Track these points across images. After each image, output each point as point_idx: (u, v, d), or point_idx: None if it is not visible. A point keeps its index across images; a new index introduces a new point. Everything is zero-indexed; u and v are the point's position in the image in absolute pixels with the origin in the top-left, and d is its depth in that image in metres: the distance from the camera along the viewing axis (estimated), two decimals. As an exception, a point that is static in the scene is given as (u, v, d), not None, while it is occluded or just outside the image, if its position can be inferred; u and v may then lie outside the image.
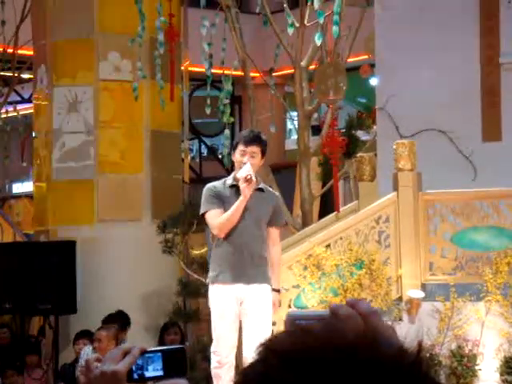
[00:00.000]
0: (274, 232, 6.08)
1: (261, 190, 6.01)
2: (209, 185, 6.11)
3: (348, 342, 1.03)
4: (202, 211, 6.07)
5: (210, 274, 6.10)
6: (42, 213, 10.36)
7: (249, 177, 5.77)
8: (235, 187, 5.93)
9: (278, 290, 6.11)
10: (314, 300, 7.11)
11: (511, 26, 8.13)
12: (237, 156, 5.94)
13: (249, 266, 5.89)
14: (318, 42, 8.40)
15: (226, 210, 5.90)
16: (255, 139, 5.92)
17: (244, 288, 5.89)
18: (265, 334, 5.65)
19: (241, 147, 5.90)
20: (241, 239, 5.90)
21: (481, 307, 6.89)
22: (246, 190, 5.78)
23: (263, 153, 5.97)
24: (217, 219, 5.90)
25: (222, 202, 5.95)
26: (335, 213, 8.59)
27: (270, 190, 6.27)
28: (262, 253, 5.96)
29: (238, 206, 5.83)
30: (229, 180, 6.03)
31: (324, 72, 9.17)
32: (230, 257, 5.91)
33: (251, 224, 5.93)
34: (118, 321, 8.57)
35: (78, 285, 9.46)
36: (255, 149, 5.89)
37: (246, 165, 5.82)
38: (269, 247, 6.04)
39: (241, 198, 5.82)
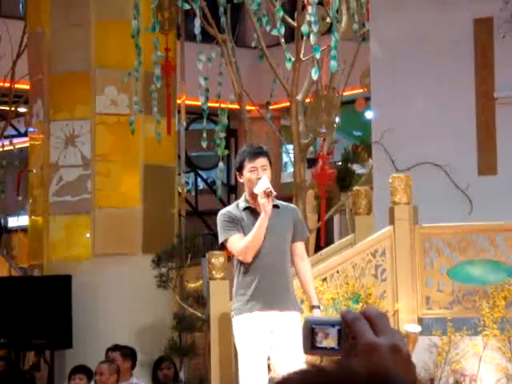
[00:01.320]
0: (300, 247, 5.68)
1: (276, 206, 5.57)
2: (222, 211, 5.68)
3: (360, 381, 1.04)
4: (221, 240, 5.62)
5: (236, 305, 5.64)
6: (38, 247, 10.34)
7: (268, 190, 5.37)
8: (249, 209, 5.56)
9: (318, 307, 5.67)
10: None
11: (506, 60, 8.19)
12: (246, 175, 5.54)
13: (281, 291, 5.52)
14: (315, 77, 8.44)
15: (245, 234, 5.51)
16: (261, 151, 5.58)
17: (277, 316, 5.51)
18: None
19: (249, 164, 5.51)
20: (268, 261, 5.50)
21: (478, 341, 6.86)
22: (267, 205, 5.36)
23: (270, 163, 5.62)
24: (240, 244, 5.46)
25: (239, 226, 5.55)
26: (331, 246, 8.59)
27: (285, 204, 5.79)
28: (288, 276, 5.58)
29: (260, 224, 5.41)
30: (241, 203, 5.63)
31: (317, 106, 9.22)
32: (260, 282, 5.49)
33: (276, 243, 5.54)
34: (122, 352, 8.53)
35: (74, 319, 9.42)
36: (264, 161, 5.54)
37: (262, 178, 5.43)
38: (297, 264, 5.65)
39: (262, 215, 5.40)
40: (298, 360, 5.39)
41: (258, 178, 5.50)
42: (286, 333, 5.47)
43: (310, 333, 1.35)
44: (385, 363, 1.25)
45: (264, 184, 5.42)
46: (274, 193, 5.45)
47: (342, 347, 1.33)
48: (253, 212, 5.57)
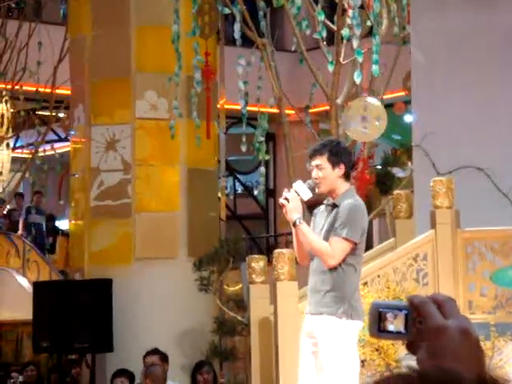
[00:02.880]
0: (331, 242, 5.33)
1: (336, 205, 5.40)
2: None
3: None
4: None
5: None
6: (79, 251, 10.41)
7: (280, 203, 5.30)
8: (324, 205, 5.48)
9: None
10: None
11: (549, 62, 8.10)
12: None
13: (314, 293, 5.40)
14: (358, 80, 8.42)
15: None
16: (315, 151, 5.39)
17: (310, 319, 5.41)
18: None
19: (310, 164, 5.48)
20: (312, 263, 5.43)
21: (522, 347, 6.80)
22: (287, 215, 5.28)
23: (333, 161, 5.34)
24: None
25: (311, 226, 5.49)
26: (373, 249, 8.55)
27: (346, 202, 5.41)
28: (325, 280, 5.34)
29: (294, 234, 5.40)
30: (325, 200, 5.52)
31: (358, 109, 9.18)
32: (308, 284, 5.53)
33: None
34: (162, 356, 8.56)
35: (115, 323, 9.47)
36: (318, 161, 5.35)
37: (294, 185, 5.35)
38: None
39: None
40: (323, 370, 5.28)
41: (313, 178, 5.38)
42: (317, 339, 5.33)
43: (378, 316, 1.36)
44: (454, 347, 1.25)
45: (288, 193, 5.31)
46: (285, 203, 5.23)
47: (409, 331, 1.34)
48: (326, 208, 5.47)
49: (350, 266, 5.40)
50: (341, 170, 5.37)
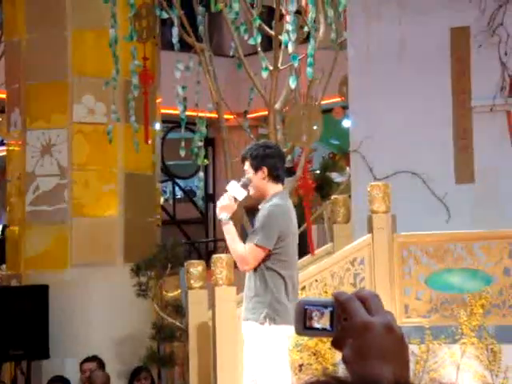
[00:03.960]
0: (245, 247, 5.42)
1: (259, 210, 5.53)
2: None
3: None
4: None
5: None
6: (14, 257, 10.27)
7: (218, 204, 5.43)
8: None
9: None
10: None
11: (482, 69, 8.23)
12: None
13: (245, 299, 5.52)
14: (293, 85, 8.45)
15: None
16: (242, 156, 5.54)
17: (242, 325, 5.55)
18: None
19: None
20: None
21: (456, 350, 6.88)
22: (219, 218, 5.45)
23: (254, 165, 5.45)
24: None
25: None
26: (309, 255, 8.58)
27: (265, 206, 5.52)
28: (251, 287, 5.45)
29: (230, 232, 5.47)
30: None
31: (297, 115, 9.22)
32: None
33: None
34: (99, 363, 8.49)
35: (51, 330, 9.36)
36: (245, 166, 5.49)
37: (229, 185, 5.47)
38: None
39: None
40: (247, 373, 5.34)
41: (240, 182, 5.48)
42: (244, 344, 5.42)
43: (303, 314, 1.36)
44: (379, 343, 1.26)
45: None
46: (218, 206, 5.37)
47: (334, 328, 1.34)
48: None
49: (272, 270, 5.44)
50: (263, 173, 5.43)
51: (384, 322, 1.29)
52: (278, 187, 5.54)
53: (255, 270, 5.45)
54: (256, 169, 5.45)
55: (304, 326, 1.36)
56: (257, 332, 5.38)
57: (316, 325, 1.35)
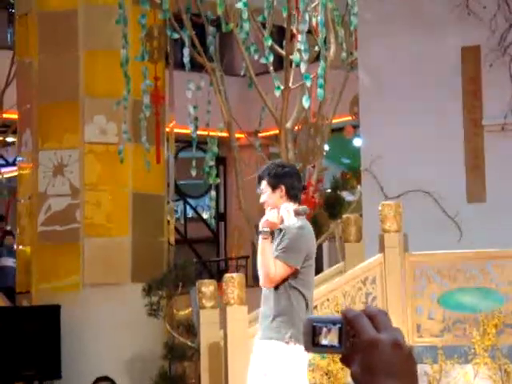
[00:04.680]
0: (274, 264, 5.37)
1: (280, 230, 5.44)
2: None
3: None
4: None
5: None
6: (26, 277, 10.28)
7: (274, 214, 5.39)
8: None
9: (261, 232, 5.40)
10: (301, 363, 7.03)
11: (493, 88, 8.23)
12: None
13: (262, 318, 5.43)
14: (306, 105, 8.47)
15: None
16: (258, 176, 5.51)
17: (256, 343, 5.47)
18: None
19: None
20: (264, 292, 5.49)
21: (469, 370, 6.84)
22: (270, 220, 5.40)
23: (272, 184, 5.43)
24: None
25: None
26: (320, 274, 8.57)
27: (292, 224, 5.44)
28: (272, 305, 5.34)
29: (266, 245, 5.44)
30: None
31: (306, 134, 9.25)
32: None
33: None
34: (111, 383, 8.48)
35: (63, 350, 9.35)
36: (262, 185, 5.46)
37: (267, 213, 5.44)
38: None
39: None
40: None
41: (261, 203, 5.49)
42: (266, 364, 5.32)
43: (312, 330, 1.37)
44: (387, 359, 1.28)
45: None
46: (266, 217, 5.36)
47: (343, 345, 1.34)
48: (276, 231, 5.46)
49: (296, 290, 5.43)
50: (282, 191, 5.42)
51: (391, 338, 1.30)
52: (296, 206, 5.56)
53: (277, 288, 5.41)
54: (274, 187, 5.44)
55: (313, 342, 1.37)
56: (282, 351, 5.34)
57: (324, 342, 1.36)
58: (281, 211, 5.41)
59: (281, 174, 5.46)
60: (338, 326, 1.35)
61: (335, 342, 1.34)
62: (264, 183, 5.47)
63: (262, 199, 5.48)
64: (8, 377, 9.39)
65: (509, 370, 6.74)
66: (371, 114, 8.77)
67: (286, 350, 5.34)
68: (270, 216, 5.41)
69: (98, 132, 10.11)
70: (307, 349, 1.38)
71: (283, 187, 5.43)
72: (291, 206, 5.44)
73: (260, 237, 5.41)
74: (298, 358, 5.36)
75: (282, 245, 5.41)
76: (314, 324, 1.36)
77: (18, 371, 9.10)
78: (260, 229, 5.42)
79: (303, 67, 8.09)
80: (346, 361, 1.34)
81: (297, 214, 5.44)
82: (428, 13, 8.52)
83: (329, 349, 1.36)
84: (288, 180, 5.47)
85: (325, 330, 1.36)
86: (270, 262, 5.37)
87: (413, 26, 8.54)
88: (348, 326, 1.33)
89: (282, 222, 5.42)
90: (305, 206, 5.63)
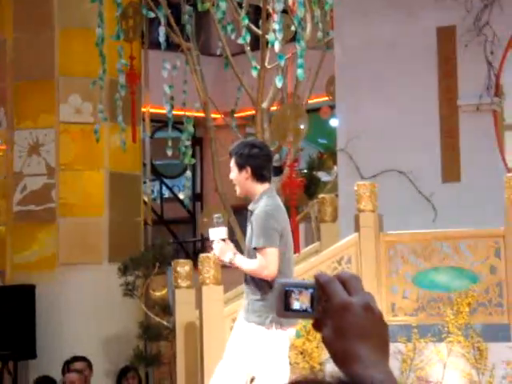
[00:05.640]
0: (257, 257, 5.33)
1: (251, 211, 5.41)
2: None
3: None
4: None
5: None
6: (1, 256, 10.25)
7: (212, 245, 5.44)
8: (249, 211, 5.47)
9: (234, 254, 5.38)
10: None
11: (469, 68, 8.25)
12: None
13: (244, 301, 5.45)
14: (279, 85, 8.46)
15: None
16: (229, 153, 5.43)
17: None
18: None
19: None
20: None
21: (442, 348, 6.90)
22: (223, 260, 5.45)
23: (239, 164, 5.35)
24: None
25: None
26: (296, 254, 8.59)
27: (260, 206, 5.41)
28: (254, 288, 5.34)
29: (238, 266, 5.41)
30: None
31: (283, 114, 9.24)
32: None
33: (245, 253, 5.44)
34: (86, 363, 8.48)
35: (38, 330, 9.34)
36: (231, 163, 5.40)
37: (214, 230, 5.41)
38: None
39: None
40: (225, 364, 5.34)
41: (215, 216, 5.48)
42: (245, 345, 5.33)
43: (284, 295, 1.36)
44: (358, 323, 1.28)
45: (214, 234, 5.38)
46: (217, 255, 5.39)
47: (315, 309, 1.34)
48: (249, 213, 5.46)
49: (278, 272, 5.41)
50: (247, 172, 5.35)
51: (363, 301, 1.31)
52: (264, 186, 5.48)
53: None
54: (240, 168, 5.38)
55: (285, 307, 1.37)
56: (262, 336, 5.32)
57: (297, 306, 1.36)
58: (213, 239, 5.37)
59: (247, 155, 5.37)
60: (311, 290, 1.35)
61: (307, 307, 1.34)
62: (233, 162, 5.40)
63: (230, 176, 5.45)
64: (-17, 357, 9.38)
65: (482, 348, 6.81)
66: (347, 94, 8.78)
67: (266, 335, 5.32)
68: (216, 253, 5.40)
69: (73, 111, 10.06)
70: (279, 314, 1.37)
71: (249, 169, 5.35)
72: (212, 230, 5.41)
73: (233, 264, 5.37)
74: (279, 341, 5.36)
75: (255, 233, 5.36)
76: (286, 288, 1.36)
77: (-8, 351, 9.09)
78: (226, 263, 5.40)
79: (277, 47, 8.07)
80: (317, 325, 1.34)
81: (219, 224, 5.42)
82: (404, -7, 8.53)
83: (301, 313, 1.35)
84: (254, 161, 5.38)
85: (297, 294, 1.36)
86: (250, 263, 5.34)
87: (389, 5, 8.54)
88: (320, 290, 1.33)
89: (225, 240, 5.39)
90: (219, 214, 5.54)
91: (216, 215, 5.49)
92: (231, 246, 5.45)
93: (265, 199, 5.46)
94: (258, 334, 5.33)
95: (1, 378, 9.93)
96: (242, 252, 5.55)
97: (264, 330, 5.32)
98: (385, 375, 1.25)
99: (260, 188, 5.43)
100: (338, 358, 1.28)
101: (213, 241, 5.41)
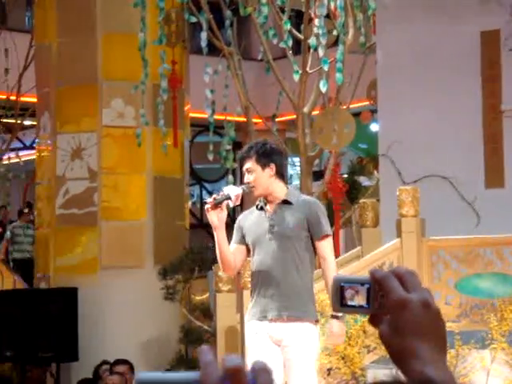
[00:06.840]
0: (320, 246, 5.10)
1: (287, 202, 5.13)
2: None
3: None
4: None
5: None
6: (44, 259, 10.34)
7: (206, 205, 5.07)
8: (261, 208, 5.18)
9: (336, 316, 5.05)
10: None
11: (513, 73, 8.19)
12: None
13: (275, 299, 5.05)
14: (324, 89, 8.45)
15: (248, 239, 5.17)
16: (243, 155, 5.19)
17: (273, 326, 5.04)
18: None
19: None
20: (268, 265, 5.07)
21: (486, 355, 6.83)
22: (210, 217, 5.00)
23: (262, 162, 5.14)
24: None
25: (240, 233, 5.20)
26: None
27: (302, 199, 5.25)
28: (293, 279, 5.06)
29: (215, 237, 5.09)
30: (258, 202, 5.25)
31: (326, 118, 9.22)
32: (260, 289, 5.08)
33: (277, 245, 5.07)
34: (128, 366, 8.50)
35: (80, 332, 9.40)
36: (248, 164, 5.13)
37: (225, 188, 5.12)
38: (321, 265, 5.17)
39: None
40: (307, 378, 5.02)
41: (246, 183, 5.15)
42: (291, 348, 5.01)
43: (339, 291, 1.37)
44: (415, 319, 1.28)
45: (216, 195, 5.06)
46: (210, 205, 4.97)
47: (371, 305, 1.35)
48: (262, 209, 5.19)
49: (313, 265, 5.32)
50: (272, 169, 5.14)
51: (421, 298, 1.30)
52: (284, 184, 5.23)
53: (303, 261, 5.13)
54: (263, 165, 5.14)
55: (341, 303, 1.37)
56: (314, 333, 5.12)
57: (353, 302, 1.36)
58: (227, 194, 5.01)
59: (270, 152, 5.18)
60: (367, 286, 1.34)
61: (363, 303, 1.35)
62: (251, 162, 5.14)
63: (247, 179, 5.15)
64: (25, 359, 9.45)
65: (526, 355, 6.74)
66: (389, 99, 8.75)
67: (316, 331, 5.16)
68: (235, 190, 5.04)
69: (115, 115, 10.13)
70: (335, 309, 1.38)
71: (273, 166, 5.14)
72: (232, 187, 5.17)
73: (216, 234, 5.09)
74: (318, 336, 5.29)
75: (323, 220, 5.14)
76: (342, 284, 1.36)
77: (35, 353, 9.15)
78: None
79: (321, 51, 8.06)
80: (374, 321, 1.34)
81: (245, 193, 5.13)
82: (447, -3, 8.48)
83: (357, 309, 1.36)
84: (278, 158, 5.21)
85: (353, 290, 1.36)
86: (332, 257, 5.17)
87: (431, 10, 8.50)
88: (376, 285, 1.33)
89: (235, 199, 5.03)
90: (244, 185, 5.18)
91: (245, 186, 5.16)
92: None
93: (299, 192, 5.45)
94: (311, 331, 5.12)
95: (43, 380, 10.01)
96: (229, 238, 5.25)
97: (313, 327, 5.15)
98: (445, 375, 1.25)
99: (283, 186, 5.20)
100: (394, 354, 1.28)
101: (226, 196, 5.02)
